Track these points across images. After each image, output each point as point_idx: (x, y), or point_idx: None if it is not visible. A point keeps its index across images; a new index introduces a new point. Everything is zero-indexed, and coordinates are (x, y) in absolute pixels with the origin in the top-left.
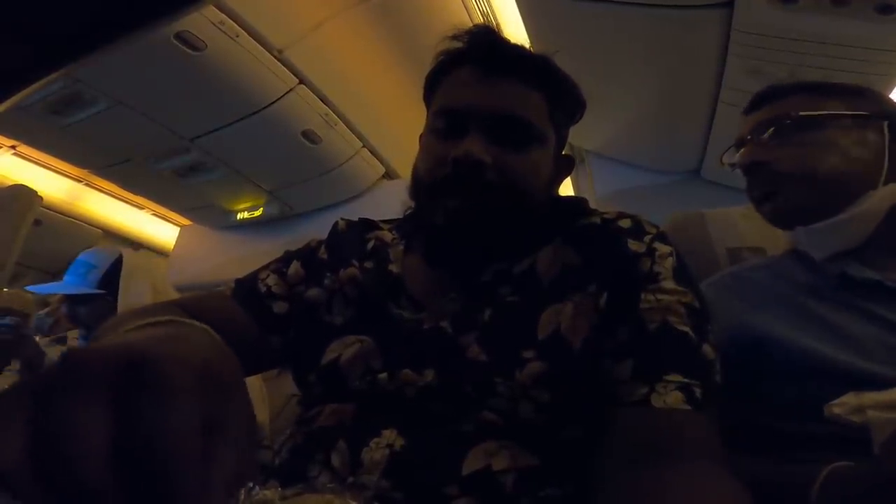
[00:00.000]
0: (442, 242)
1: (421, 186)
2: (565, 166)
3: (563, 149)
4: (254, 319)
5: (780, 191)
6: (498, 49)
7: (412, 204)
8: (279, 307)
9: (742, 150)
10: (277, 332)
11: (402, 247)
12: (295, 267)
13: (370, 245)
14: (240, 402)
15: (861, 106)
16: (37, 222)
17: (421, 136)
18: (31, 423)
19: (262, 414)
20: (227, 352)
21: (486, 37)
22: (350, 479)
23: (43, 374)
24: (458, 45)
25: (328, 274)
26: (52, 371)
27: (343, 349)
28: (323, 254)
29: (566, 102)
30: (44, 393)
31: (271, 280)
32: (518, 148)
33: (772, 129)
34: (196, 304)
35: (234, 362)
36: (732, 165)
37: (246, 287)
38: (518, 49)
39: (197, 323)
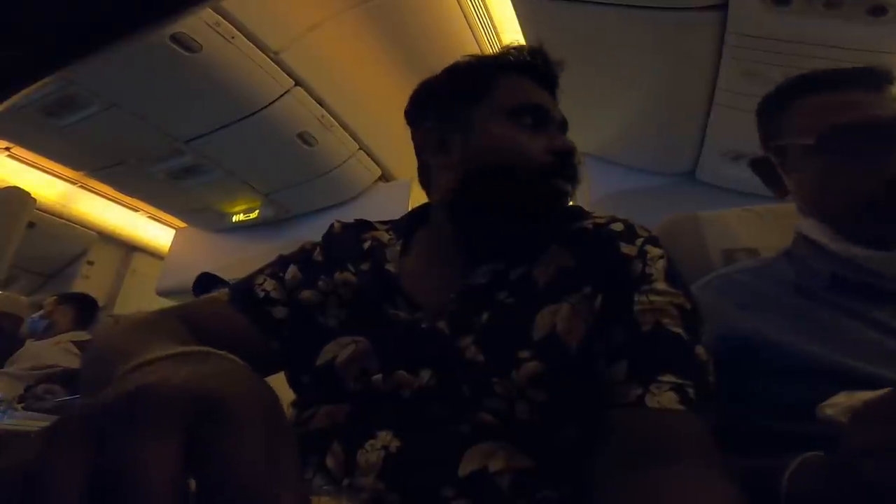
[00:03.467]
0: (493, 227)
1: (517, 170)
2: None
3: None
4: (254, 325)
5: None
6: (550, 67)
7: (452, 191)
8: (278, 312)
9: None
10: (277, 337)
11: (398, 247)
12: (293, 271)
13: (366, 245)
14: (293, 440)
15: None
16: (30, 225)
17: (489, 124)
18: (93, 455)
19: None
20: (269, 386)
21: (543, 56)
22: (345, 481)
23: (104, 405)
24: (513, 55)
25: (322, 276)
26: (116, 402)
27: (338, 350)
28: (318, 255)
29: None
30: (110, 425)
31: (269, 285)
32: None
33: None
34: (196, 311)
35: (277, 396)
36: (863, 166)
37: (243, 293)
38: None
39: (231, 356)
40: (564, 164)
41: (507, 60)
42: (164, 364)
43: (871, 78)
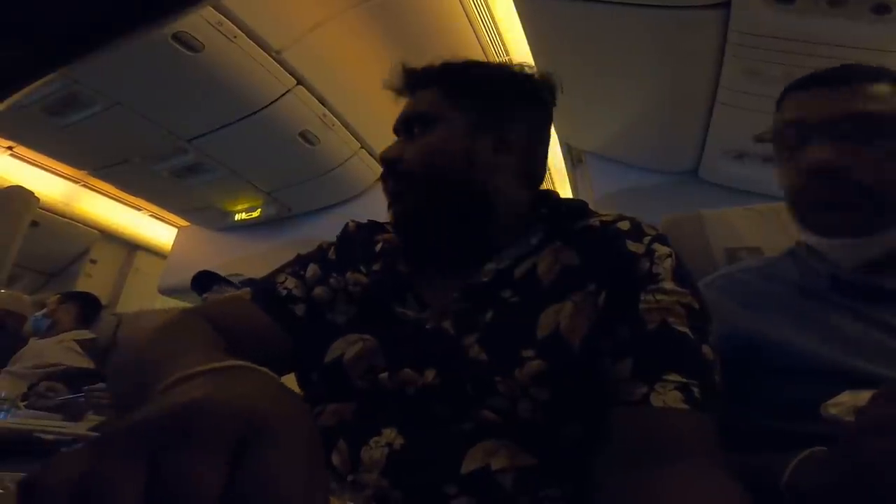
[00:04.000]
0: (407, 233)
1: None
2: (510, 139)
3: (497, 127)
4: (277, 323)
5: (862, 205)
6: (404, 76)
7: None
8: (300, 310)
9: (815, 147)
10: (299, 335)
11: None
12: (313, 269)
13: (378, 247)
14: (323, 454)
15: None
16: (33, 223)
17: None
18: (146, 470)
19: None
20: (303, 402)
21: (400, 71)
22: (350, 478)
23: (155, 420)
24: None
25: (334, 274)
26: (167, 418)
27: (346, 348)
28: (332, 254)
29: (467, 84)
30: (162, 440)
31: (290, 283)
32: (415, 138)
33: (851, 125)
34: (220, 311)
35: (311, 412)
36: (788, 158)
37: (266, 291)
38: (421, 69)
39: (266, 371)
40: (385, 172)
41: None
42: (207, 379)
43: (837, 75)
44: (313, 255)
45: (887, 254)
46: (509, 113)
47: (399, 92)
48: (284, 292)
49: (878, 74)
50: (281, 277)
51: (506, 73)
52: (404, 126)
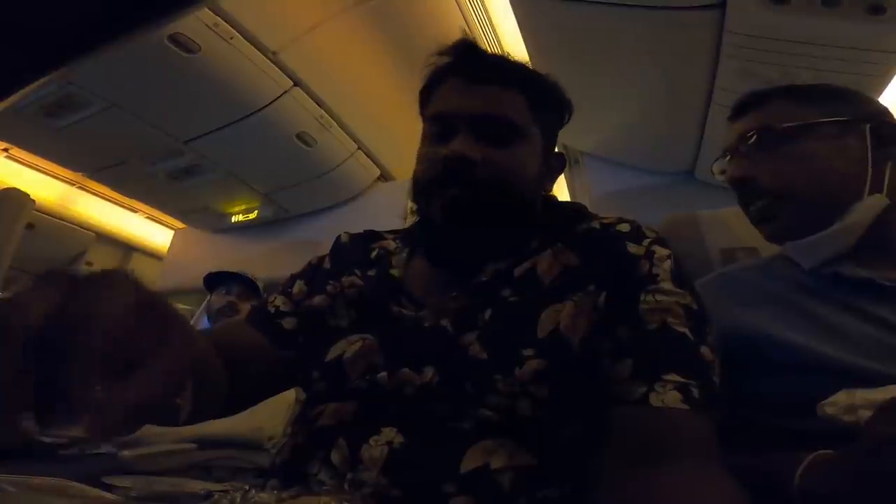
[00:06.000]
0: (441, 238)
1: (419, 187)
2: (556, 165)
3: (553, 148)
4: (268, 338)
5: (777, 215)
6: (478, 59)
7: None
8: (288, 323)
9: (728, 161)
10: (290, 347)
11: (405, 253)
12: (298, 286)
13: (374, 254)
14: (174, 346)
15: (842, 110)
16: (29, 226)
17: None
18: None
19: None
20: (183, 318)
21: (468, 49)
22: (349, 476)
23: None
24: (445, 59)
25: (331, 281)
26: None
27: (347, 347)
28: (326, 264)
29: (548, 101)
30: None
31: (279, 301)
32: (503, 145)
33: (753, 139)
34: (221, 333)
35: (185, 324)
36: (724, 174)
37: (259, 311)
38: (496, 57)
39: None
40: (453, 172)
41: (436, 70)
42: None
43: (742, 102)
44: (301, 273)
45: (857, 245)
46: (557, 133)
47: (463, 69)
48: (273, 310)
49: (779, 93)
50: (272, 297)
51: (559, 92)
52: (481, 123)
